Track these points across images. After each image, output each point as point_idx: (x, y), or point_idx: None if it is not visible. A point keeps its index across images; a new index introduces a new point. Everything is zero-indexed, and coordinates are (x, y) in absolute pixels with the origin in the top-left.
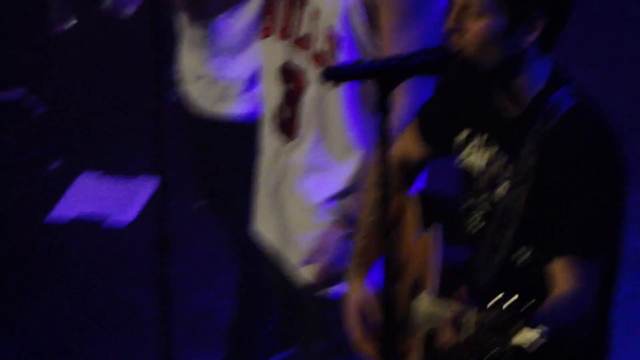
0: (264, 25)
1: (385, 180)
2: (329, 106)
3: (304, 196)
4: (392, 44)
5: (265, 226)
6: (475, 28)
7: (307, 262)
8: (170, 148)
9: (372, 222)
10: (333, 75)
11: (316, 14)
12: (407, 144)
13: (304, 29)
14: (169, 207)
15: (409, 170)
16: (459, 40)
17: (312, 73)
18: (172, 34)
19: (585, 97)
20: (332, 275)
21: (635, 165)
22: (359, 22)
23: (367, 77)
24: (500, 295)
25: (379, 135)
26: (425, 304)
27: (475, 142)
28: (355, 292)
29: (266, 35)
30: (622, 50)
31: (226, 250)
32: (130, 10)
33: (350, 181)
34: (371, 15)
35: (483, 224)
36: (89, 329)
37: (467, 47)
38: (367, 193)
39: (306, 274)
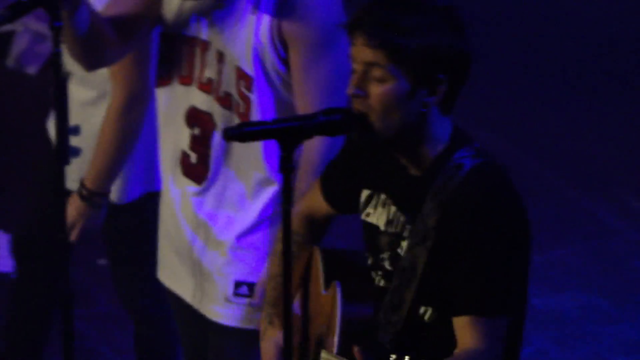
0: (160, 73)
1: (288, 235)
2: (243, 145)
3: (215, 234)
4: (303, 80)
5: (170, 272)
6: (378, 93)
7: (254, 304)
8: None
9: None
10: (234, 134)
11: (220, 57)
12: (313, 201)
13: (207, 74)
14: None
15: (316, 225)
16: (361, 104)
17: (219, 116)
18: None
19: (487, 158)
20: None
21: (537, 225)
22: (270, 60)
23: (269, 136)
24: (394, 355)
25: (282, 193)
26: None
27: (374, 202)
28: (272, 337)
29: (165, 84)
30: (524, 108)
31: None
32: (33, 69)
33: (261, 214)
34: (286, 52)
35: (383, 282)
36: None
37: (370, 112)
38: (276, 245)
39: (227, 314)
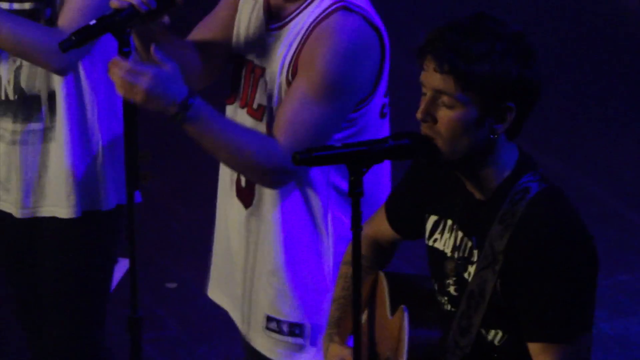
0: (229, 92)
1: (358, 260)
2: None
3: (257, 261)
4: (286, 104)
5: (219, 289)
6: (446, 119)
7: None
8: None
9: (345, 296)
10: (303, 159)
11: (271, 85)
12: (379, 224)
13: (257, 100)
14: (139, 288)
15: (381, 250)
16: (429, 129)
17: None
18: None
19: (551, 183)
20: None
21: (603, 250)
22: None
23: (338, 161)
24: None
25: (352, 217)
26: None
27: (441, 228)
28: (335, 354)
29: (229, 103)
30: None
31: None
32: None
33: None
34: None
35: (450, 307)
36: None
37: (438, 137)
38: (341, 268)
39: (261, 338)
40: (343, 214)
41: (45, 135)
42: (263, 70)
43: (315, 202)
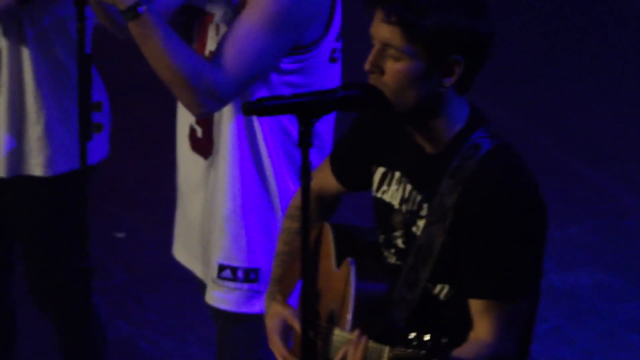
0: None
1: (306, 211)
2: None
3: (214, 212)
4: (232, 27)
5: (185, 249)
6: (393, 71)
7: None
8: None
9: (288, 252)
10: (253, 109)
11: (218, 31)
12: (323, 177)
13: (208, 47)
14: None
15: (325, 203)
16: (377, 81)
17: None
18: None
19: (502, 140)
20: None
21: (552, 202)
22: None
23: (288, 111)
24: (414, 334)
25: (301, 168)
26: (339, 338)
27: (389, 180)
28: (276, 313)
29: None
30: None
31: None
32: None
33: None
34: None
35: (397, 260)
36: None
37: (385, 88)
38: (284, 222)
39: (218, 292)
40: (292, 162)
41: None
42: (212, 16)
43: (267, 148)
